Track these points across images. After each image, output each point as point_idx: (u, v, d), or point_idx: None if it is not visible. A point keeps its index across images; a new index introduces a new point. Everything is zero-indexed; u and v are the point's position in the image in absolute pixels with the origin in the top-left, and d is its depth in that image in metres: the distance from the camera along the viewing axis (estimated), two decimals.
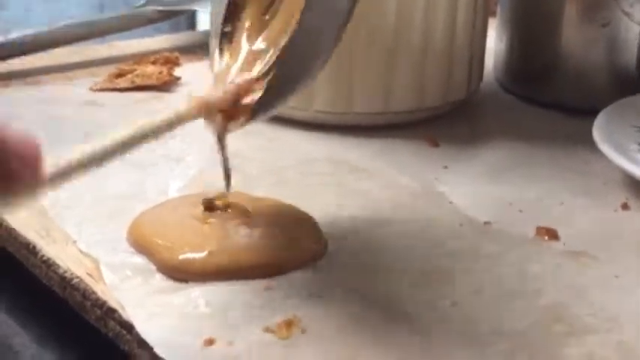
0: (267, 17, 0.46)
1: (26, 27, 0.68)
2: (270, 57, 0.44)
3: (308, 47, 0.42)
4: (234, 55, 0.46)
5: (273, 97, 0.43)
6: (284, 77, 0.42)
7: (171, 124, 0.40)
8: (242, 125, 0.43)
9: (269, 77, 0.43)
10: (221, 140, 0.44)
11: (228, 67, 0.45)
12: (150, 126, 0.39)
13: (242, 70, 0.45)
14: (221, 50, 0.46)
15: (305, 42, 0.42)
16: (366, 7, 0.57)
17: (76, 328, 0.43)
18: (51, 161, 0.34)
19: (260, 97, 0.42)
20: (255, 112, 0.42)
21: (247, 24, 0.46)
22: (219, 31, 0.47)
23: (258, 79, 0.43)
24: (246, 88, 0.43)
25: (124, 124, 0.38)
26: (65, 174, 0.35)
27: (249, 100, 0.43)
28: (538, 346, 0.39)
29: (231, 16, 0.46)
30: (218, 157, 0.45)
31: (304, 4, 0.41)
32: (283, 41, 0.43)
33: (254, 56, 0.45)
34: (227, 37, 0.46)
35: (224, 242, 0.44)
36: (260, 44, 0.45)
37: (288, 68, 0.42)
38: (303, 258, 0.44)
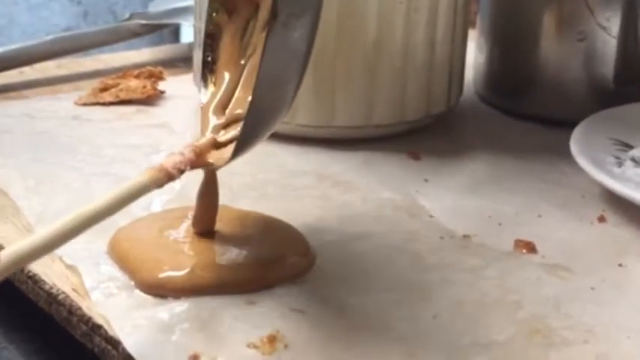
0: (244, 41, 0.47)
1: (10, 35, 0.69)
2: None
3: (273, 93, 0.42)
4: (218, 84, 0.47)
5: (247, 141, 0.43)
6: (252, 128, 0.42)
7: (130, 196, 0.40)
8: (226, 162, 0.43)
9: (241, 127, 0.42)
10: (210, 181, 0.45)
11: (214, 97, 0.47)
12: (103, 204, 0.39)
13: (222, 101, 0.46)
14: (205, 80, 0.47)
15: (268, 93, 0.41)
16: (347, 21, 0.58)
17: (63, 342, 0.43)
18: (6, 249, 0.35)
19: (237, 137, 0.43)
20: (235, 152, 0.43)
21: (225, 52, 0.47)
22: (200, 61, 0.47)
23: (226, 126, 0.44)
24: (206, 148, 0.43)
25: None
26: (20, 261, 0.36)
27: (229, 136, 0.44)
28: (518, 357, 0.40)
29: (212, 44, 0.47)
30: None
31: (261, 52, 0.40)
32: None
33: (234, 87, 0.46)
34: (209, 67, 0.47)
35: (205, 259, 0.44)
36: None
37: (256, 120, 0.42)
38: (289, 273, 0.44)
